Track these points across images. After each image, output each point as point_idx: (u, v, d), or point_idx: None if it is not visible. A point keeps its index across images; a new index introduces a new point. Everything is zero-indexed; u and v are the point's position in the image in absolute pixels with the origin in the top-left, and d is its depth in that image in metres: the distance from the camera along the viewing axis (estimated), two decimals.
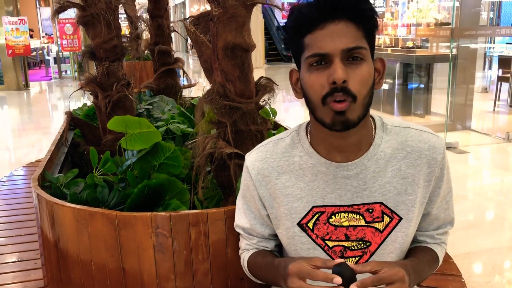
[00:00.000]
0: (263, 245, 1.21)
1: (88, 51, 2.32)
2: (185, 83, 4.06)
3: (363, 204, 1.05)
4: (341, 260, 0.92)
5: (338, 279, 0.87)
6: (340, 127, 0.96)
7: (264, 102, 1.64)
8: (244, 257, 1.23)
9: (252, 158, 1.13)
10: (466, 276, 2.59)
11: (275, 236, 1.19)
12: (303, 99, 1.04)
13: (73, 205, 1.46)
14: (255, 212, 1.17)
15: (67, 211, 1.45)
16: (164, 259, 1.38)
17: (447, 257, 1.95)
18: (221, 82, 1.53)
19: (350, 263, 1.04)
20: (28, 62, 13.38)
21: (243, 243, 1.24)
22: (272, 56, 17.20)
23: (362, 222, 1.06)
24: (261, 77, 1.65)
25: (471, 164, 5.01)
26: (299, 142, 1.10)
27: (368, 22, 0.97)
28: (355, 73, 0.94)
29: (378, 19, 1.00)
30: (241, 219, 1.20)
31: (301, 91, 1.04)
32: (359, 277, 0.91)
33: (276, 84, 1.65)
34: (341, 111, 0.94)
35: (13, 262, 2.12)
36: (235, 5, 1.47)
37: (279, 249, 1.23)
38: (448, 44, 5.86)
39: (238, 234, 1.25)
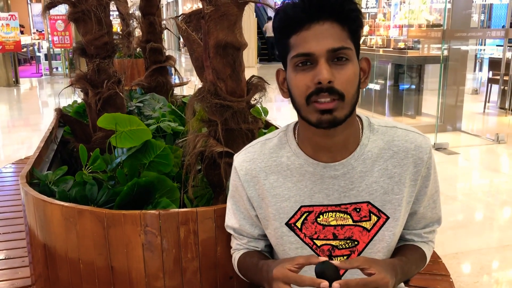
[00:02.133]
0: (253, 245, 1.21)
1: (78, 48, 2.30)
2: (177, 81, 4.05)
3: (351, 204, 1.06)
4: (325, 258, 0.92)
5: (325, 284, 0.87)
6: (326, 125, 0.97)
7: (256, 101, 1.64)
8: (235, 257, 1.23)
9: (240, 159, 1.14)
10: (455, 276, 2.61)
11: (264, 236, 1.19)
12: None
13: (62, 203, 1.44)
14: (244, 212, 1.17)
15: (56, 209, 1.44)
16: (153, 258, 1.37)
17: (435, 257, 1.96)
18: (212, 80, 1.52)
19: (337, 260, 1.05)
20: (19, 59, 13.25)
21: (234, 243, 1.24)
22: (265, 55, 17.19)
23: (350, 221, 1.07)
24: (253, 76, 1.65)
25: (461, 165, 5.04)
26: (286, 143, 1.10)
27: (353, 22, 0.97)
28: (341, 74, 0.95)
29: (363, 19, 1.01)
30: (231, 220, 1.21)
31: (287, 90, 1.04)
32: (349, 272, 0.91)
33: (267, 83, 1.65)
34: (328, 110, 0.95)
35: (0, 259, 2.10)
36: (227, 4, 1.46)
37: (270, 249, 1.23)
38: (439, 45, 5.90)
39: (229, 234, 1.25)
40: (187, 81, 4.92)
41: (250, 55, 14.39)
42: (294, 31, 0.97)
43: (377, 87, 7.13)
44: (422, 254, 1.16)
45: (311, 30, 0.95)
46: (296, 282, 0.92)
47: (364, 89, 7.30)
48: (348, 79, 0.96)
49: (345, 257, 1.09)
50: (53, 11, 2.31)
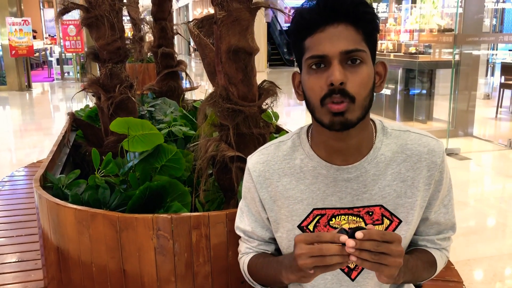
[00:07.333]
0: (263, 248, 1.20)
1: (91, 53, 2.33)
2: (188, 85, 4.07)
3: (363, 207, 1.06)
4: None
5: (344, 237, 0.86)
6: (339, 127, 0.97)
7: (267, 105, 1.64)
8: (244, 261, 1.22)
9: (254, 161, 1.14)
10: (467, 283, 2.58)
11: (274, 240, 1.19)
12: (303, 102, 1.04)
13: (75, 206, 1.46)
14: (255, 215, 1.18)
15: (69, 212, 1.45)
16: (165, 261, 1.38)
17: (448, 263, 1.94)
18: (224, 85, 1.53)
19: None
20: (31, 63, 13.41)
21: (243, 247, 1.23)
22: (275, 60, 17.23)
23: (362, 225, 1.07)
24: (264, 81, 1.65)
25: (473, 171, 5.00)
26: (300, 145, 1.10)
27: (367, 25, 0.97)
28: (354, 76, 0.95)
29: (378, 22, 1.01)
30: (242, 222, 1.20)
31: (302, 93, 1.04)
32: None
33: (279, 88, 1.65)
34: (339, 112, 0.95)
35: (14, 262, 2.12)
36: (239, 9, 1.47)
37: (279, 253, 1.22)
38: (450, 50, 5.86)
39: (239, 237, 1.25)
40: (197, 86, 4.95)
41: (260, 60, 14.43)
42: (309, 34, 0.98)
43: (388, 92, 7.10)
44: (432, 258, 1.15)
45: (325, 32, 0.96)
46: (318, 238, 0.89)
47: (375, 94, 7.28)
48: (361, 82, 0.96)
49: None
50: (65, 16, 2.33)
